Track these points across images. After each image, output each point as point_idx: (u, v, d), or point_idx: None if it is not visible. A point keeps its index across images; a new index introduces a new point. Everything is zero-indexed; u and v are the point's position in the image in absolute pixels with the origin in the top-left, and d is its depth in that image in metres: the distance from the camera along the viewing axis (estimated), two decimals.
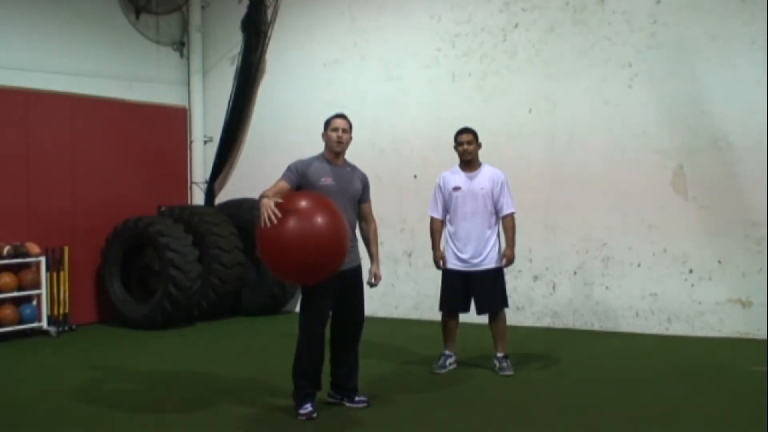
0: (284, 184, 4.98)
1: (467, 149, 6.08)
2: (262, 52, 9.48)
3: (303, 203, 4.71)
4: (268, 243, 4.66)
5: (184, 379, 6.15)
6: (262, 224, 4.60)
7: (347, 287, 5.11)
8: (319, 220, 4.63)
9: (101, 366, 6.64)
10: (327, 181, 5.03)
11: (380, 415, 5.06)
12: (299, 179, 5.04)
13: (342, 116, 5.22)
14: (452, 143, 6.24)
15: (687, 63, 7.42)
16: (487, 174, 6.12)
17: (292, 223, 4.57)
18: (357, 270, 5.19)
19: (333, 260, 4.71)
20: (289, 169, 5.09)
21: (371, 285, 5.29)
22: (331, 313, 5.14)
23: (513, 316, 7.16)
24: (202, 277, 8.36)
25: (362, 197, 5.26)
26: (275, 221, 4.55)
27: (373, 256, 5.34)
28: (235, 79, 9.52)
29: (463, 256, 6.07)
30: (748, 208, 7.16)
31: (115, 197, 8.91)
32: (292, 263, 4.66)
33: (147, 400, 5.58)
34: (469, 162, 6.13)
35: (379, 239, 5.48)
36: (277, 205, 4.60)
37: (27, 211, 8.13)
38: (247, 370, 6.32)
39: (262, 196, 4.75)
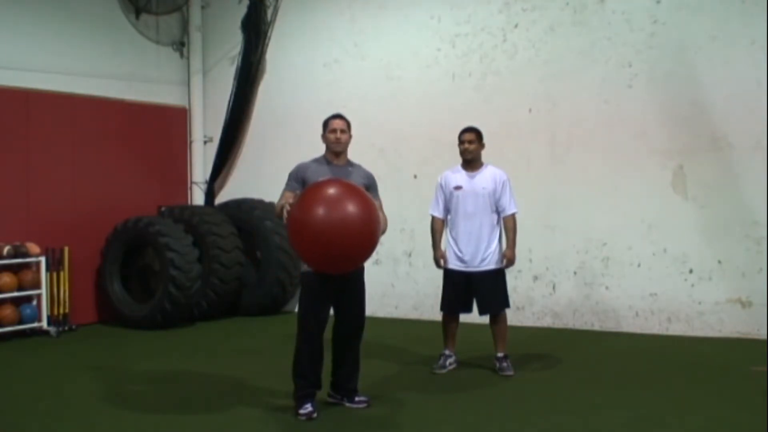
0: (289, 194, 5.01)
1: (468, 148, 6.08)
2: (262, 52, 9.48)
3: (330, 191, 4.63)
4: (297, 231, 4.60)
5: (184, 379, 6.15)
6: (286, 215, 4.64)
7: (349, 288, 5.11)
8: (352, 207, 4.55)
9: (101, 366, 6.64)
10: None
11: (380, 415, 5.06)
12: (300, 185, 5.05)
13: (339, 116, 5.23)
14: (453, 143, 6.24)
15: (687, 63, 7.42)
16: (489, 174, 6.12)
17: (320, 210, 4.51)
18: (359, 271, 5.18)
19: (362, 248, 4.63)
20: (289, 177, 5.12)
21: None
22: (332, 313, 5.15)
23: (513, 316, 7.15)
24: (202, 277, 8.36)
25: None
26: (294, 210, 4.57)
27: None
28: (235, 79, 9.52)
29: (464, 256, 6.07)
30: (748, 208, 7.17)
31: (115, 197, 8.91)
32: (323, 250, 4.56)
33: (147, 400, 5.58)
34: (470, 161, 6.13)
35: (379, 239, 5.45)
36: (296, 196, 4.67)
37: (27, 211, 8.14)
38: (246, 370, 6.32)
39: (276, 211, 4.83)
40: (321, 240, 4.51)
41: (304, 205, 4.60)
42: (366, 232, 4.59)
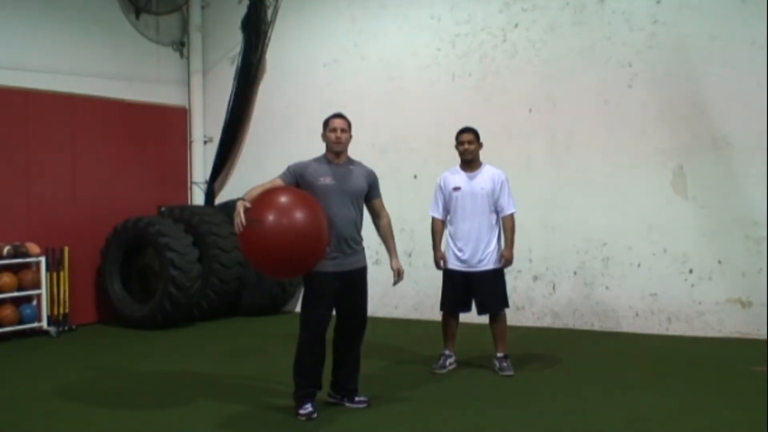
0: (278, 182, 5.06)
1: (467, 149, 6.08)
2: (262, 52, 9.48)
3: (275, 200, 4.79)
4: (246, 246, 4.81)
5: (184, 379, 6.15)
6: (236, 230, 4.78)
7: (351, 288, 5.11)
8: (294, 215, 4.70)
9: (101, 366, 6.64)
10: (326, 180, 5.04)
11: (380, 415, 5.06)
12: (296, 180, 5.06)
13: (340, 116, 5.23)
14: (452, 143, 6.24)
15: (687, 63, 7.42)
16: (487, 174, 6.12)
17: (263, 223, 4.66)
18: (362, 271, 5.19)
19: (313, 250, 4.75)
20: (287, 168, 5.13)
21: (395, 283, 5.29)
22: (334, 313, 5.15)
23: (513, 316, 7.16)
24: (202, 277, 8.36)
25: (370, 194, 5.23)
26: (241, 229, 4.69)
27: (390, 251, 5.35)
28: (235, 79, 9.52)
29: (464, 256, 6.07)
30: (748, 208, 7.17)
31: (115, 197, 8.91)
32: (271, 261, 4.78)
33: (146, 400, 5.58)
34: (469, 162, 6.13)
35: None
36: (246, 210, 4.70)
37: (27, 211, 8.14)
38: (247, 370, 6.32)
39: (242, 198, 4.85)
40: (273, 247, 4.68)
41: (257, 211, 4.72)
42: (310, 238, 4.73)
